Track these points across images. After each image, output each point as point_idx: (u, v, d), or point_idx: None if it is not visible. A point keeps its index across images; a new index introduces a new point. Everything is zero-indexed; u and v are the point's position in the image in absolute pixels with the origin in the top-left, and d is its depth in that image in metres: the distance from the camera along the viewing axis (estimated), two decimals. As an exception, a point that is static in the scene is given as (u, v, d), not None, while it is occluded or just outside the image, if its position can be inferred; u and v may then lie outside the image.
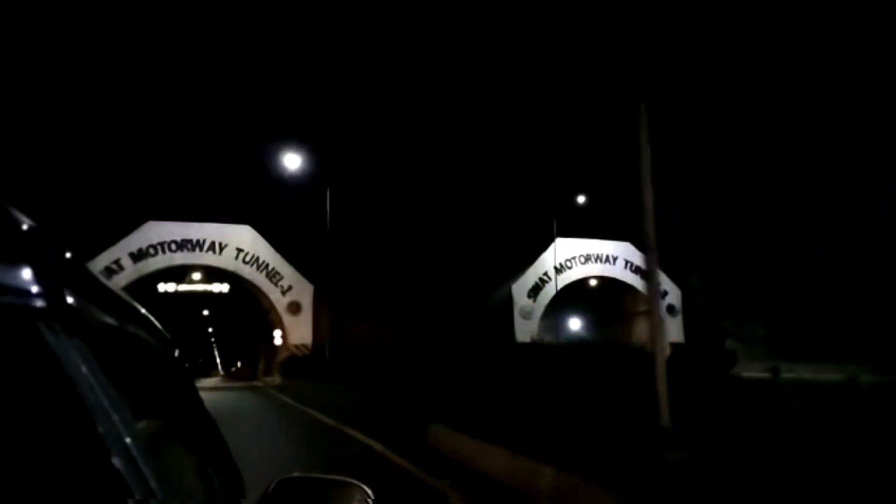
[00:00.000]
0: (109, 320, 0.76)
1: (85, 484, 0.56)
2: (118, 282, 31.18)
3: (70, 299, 0.62)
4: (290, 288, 35.01)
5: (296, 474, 1.10)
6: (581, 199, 40.20)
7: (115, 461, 0.59)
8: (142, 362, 0.94)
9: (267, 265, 34.79)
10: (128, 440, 0.64)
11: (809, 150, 42.28)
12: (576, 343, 25.55)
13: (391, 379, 21.82)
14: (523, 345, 26.96)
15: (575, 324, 45.25)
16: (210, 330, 76.33)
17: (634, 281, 41.48)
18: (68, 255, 0.68)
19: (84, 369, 0.60)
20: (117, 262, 32.20)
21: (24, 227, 0.59)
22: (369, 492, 1.11)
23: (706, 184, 46.77)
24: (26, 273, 0.55)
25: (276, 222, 37.13)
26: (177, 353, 1.15)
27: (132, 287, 31.85)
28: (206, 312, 57.07)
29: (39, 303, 0.56)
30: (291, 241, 36.81)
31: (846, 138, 40.65)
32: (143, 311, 0.99)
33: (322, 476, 1.14)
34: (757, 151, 44.16)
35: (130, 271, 32.37)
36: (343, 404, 15.43)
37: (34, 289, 0.55)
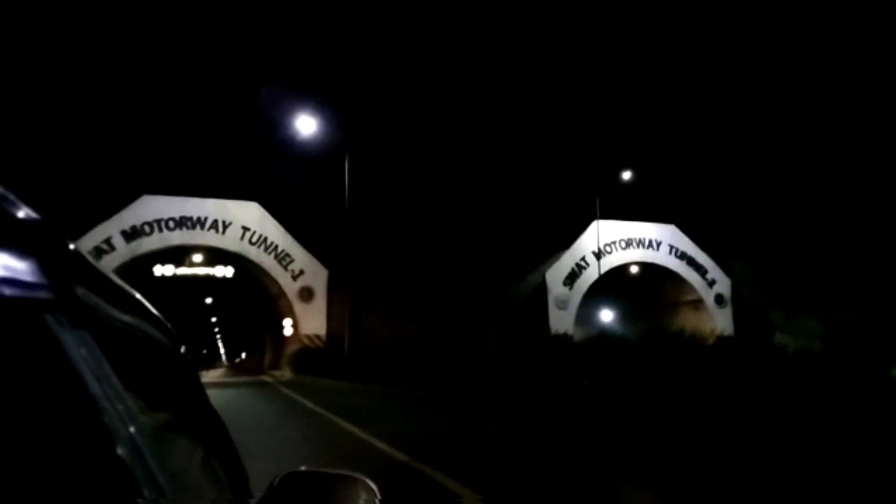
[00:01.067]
0: (116, 314, 0.76)
1: (92, 476, 0.56)
2: (109, 263, 27.55)
3: (77, 292, 0.63)
4: (301, 272, 31.33)
5: (301, 469, 1.05)
6: (620, 178, 36.28)
7: (123, 453, 0.59)
8: (148, 356, 0.93)
9: (276, 246, 31.10)
10: (134, 433, 0.64)
11: (818, 147, 38.61)
12: (639, 339, 21.76)
13: (424, 379, 18.22)
14: (576, 343, 23.17)
15: (611, 314, 41.41)
16: (214, 320, 72.76)
17: (679, 267, 37.79)
18: (72, 246, 0.67)
19: (91, 362, 0.61)
20: (108, 241, 28.56)
21: (30, 218, 0.58)
22: (375, 488, 1.08)
23: (754, 169, 42.97)
24: (33, 265, 0.54)
25: (287, 199, 33.48)
26: (183, 349, 1.14)
27: (125, 269, 28.28)
28: (209, 301, 53.51)
29: (46, 295, 0.56)
30: (303, 221, 33.14)
31: (848, 137, 37.11)
32: (150, 305, 0.97)
33: (328, 471, 1.09)
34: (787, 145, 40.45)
35: (123, 251, 28.74)
36: (385, 414, 11.74)
37: (41, 281, 0.55)
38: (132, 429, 0.64)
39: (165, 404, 0.97)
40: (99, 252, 28.01)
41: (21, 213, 0.57)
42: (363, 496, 1.08)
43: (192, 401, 1.14)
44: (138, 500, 0.59)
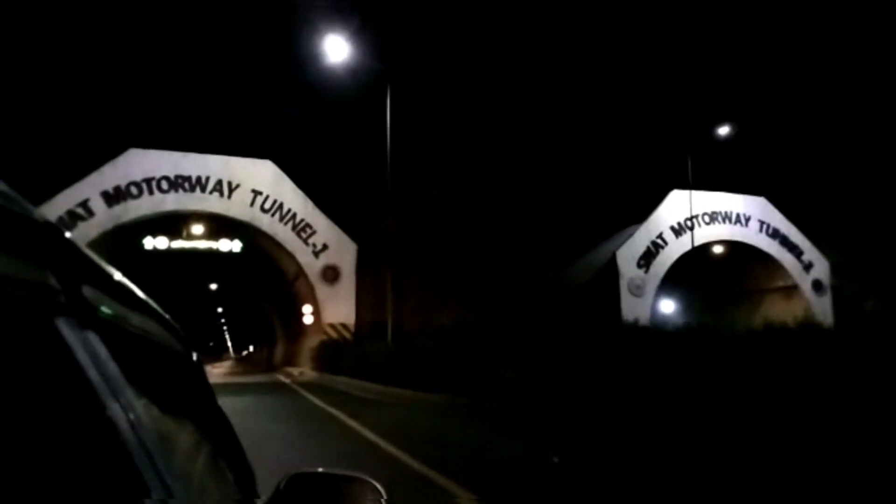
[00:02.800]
0: (124, 315, 0.77)
1: (100, 476, 0.57)
2: (86, 232, 21.79)
3: (86, 294, 0.64)
4: (325, 247, 25.48)
5: (307, 470, 1.07)
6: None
7: (130, 454, 0.60)
8: (156, 357, 0.94)
9: (294, 215, 25.24)
10: (142, 433, 0.65)
11: None
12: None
13: (492, 383, 12.42)
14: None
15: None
16: (220, 310, 67.01)
17: (771, 247, 31.74)
18: (85, 251, 0.68)
19: (98, 363, 0.62)
20: (85, 204, 22.78)
21: (39, 221, 0.58)
22: (381, 488, 1.08)
23: (848, 135, 36.75)
24: (43, 268, 0.55)
25: (307, 158, 27.62)
26: (194, 355, 1.14)
27: (106, 240, 22.54)
28: (213, 287, 47.77)
29: (55, 298, 0.57)
30: (327, 184, 27.30)
31: None
32: (157, 306, 0.96)
33: (334, 471, 1.11)
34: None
35: (103, 218, 22.95)
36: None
37: (50, 284, 0.56)
38: (139, 429, 0.64)
39: (173, 405, 0.96)
40: (74, 218, 22.30)
41: (30, 217, 0.56)
42: (370, 497, 1.07)
43: (200, 401, 1.12)
44: (145, 501, 0.59)
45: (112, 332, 0.69)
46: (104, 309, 0.69)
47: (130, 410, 0.65)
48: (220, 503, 1.07)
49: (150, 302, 0.92)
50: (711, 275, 33.60)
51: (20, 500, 0.46)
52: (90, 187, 23.03)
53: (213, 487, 1.06)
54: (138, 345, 0.83)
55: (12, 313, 0.50)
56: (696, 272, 32.69)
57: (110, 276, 0.76)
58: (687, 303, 34.68)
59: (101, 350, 0.63)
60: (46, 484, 0.50)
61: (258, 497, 1.21)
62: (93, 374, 0.59)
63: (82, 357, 0.58)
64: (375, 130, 22.42)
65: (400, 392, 14.32)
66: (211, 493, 1.03)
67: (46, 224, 0.58)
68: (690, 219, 29.32)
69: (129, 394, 0.67)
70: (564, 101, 33.65)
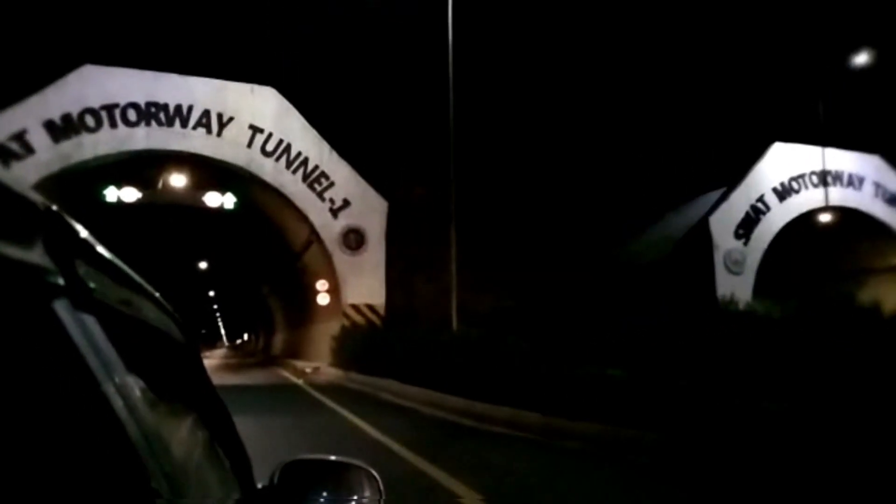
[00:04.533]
0: (120, 298, 0.76)
1: (99, 462, 0.57)
2: (22, 175, 15.40)
3: (83, 276, 0.63)
4: (346, 204, 19.36)
5: (302, 457, 1.07)
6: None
7: (129, 439, 0.60)
8: (152, 341, 0.94)
9: (305, 161, 19.10)
10: (139, 418, 0.65)
11: None
12: None
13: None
14: None
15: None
16: (212, 294, 60.65)
17: (887, 216, 25.79)
18: (82, 232, 0.66)
19: (96, 346, 0.61)
20: (20, 136, 16.58)
21: (36, 202, 0.57)
22: (376, 474, 1.09)
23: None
24: (39, 249, 0.54)
25: (321, 87, 21.51)
26: (188, 337, 1.13)
27: (51, 187, 16.34)
28: (203, 266, 41.58)
29: (53, 280, 0.56)
30: (347, 121, 21.17)
31: None
32: (152, 289, 0.94)
33: (329, 458, 1.11)
34: None
35: (47, 157, 16.78)
36: None
37: (48, 266, 0.55)
38: (137, 414, 0.64)
39: (170, 390, 0.97)
40: (5, 155, 16.09)
41: (27, 198, 0.55)
42: (366, 484, 1.09)
43: (196, 386, 1.12)
44: (145, 485, 0.59)
45: (108, 315, 0.67)
46: (99, 290, 0.66)
47: (128, 395, 0.64)
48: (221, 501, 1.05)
49: (146, 284, 0.89)
50: (804, 250, 27.71)
51: (22, 479, 0.46)
52: (28, 114, 16.79)
53: (210, 474, 1.05)
54: (135, 328, 0.81)
55: (9, 296, 0.48)
56: (791, 247, 26.76)
57: (107, 259, 0.72)
58: (764, 285, 28.70)
59: (99, 333, 0.62)
60: (47, 470, 0.50)
61: (255, 484, 1.20)
62: (89, 357, 0.58)
63: (79, 340, 0.57)
64: (418, 59, 16.37)
65: (508, 413, 8.30)
66: (208, 480, 1.02)
67: (43, 205, 0.56)
68: (785, 182, 23.39)
69: (127, 378, 0.66)
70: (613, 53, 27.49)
